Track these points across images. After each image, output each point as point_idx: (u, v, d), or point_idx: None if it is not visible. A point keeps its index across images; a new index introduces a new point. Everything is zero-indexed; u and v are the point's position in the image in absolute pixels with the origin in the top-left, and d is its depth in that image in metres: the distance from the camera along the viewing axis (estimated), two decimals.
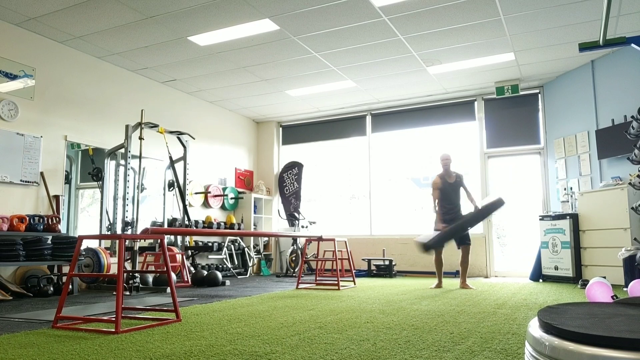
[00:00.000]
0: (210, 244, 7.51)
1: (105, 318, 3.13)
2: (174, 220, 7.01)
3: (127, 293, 5.00)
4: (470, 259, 7.51)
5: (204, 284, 5.96)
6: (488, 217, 5.63)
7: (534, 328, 1.43)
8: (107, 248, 5.66)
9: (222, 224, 7.98)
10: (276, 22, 5.33)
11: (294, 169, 9.36)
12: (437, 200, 5.74)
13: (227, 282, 6.28)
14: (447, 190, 5.77)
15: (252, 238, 8.55)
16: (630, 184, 5.21)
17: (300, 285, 5.84)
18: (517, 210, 7.80)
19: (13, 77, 5.34)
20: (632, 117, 4.65)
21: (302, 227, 8.74)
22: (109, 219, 5.89)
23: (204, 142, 8.13)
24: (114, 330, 2.77)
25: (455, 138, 8.18)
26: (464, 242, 5.71)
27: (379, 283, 6.42)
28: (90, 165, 6.11)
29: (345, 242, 6.54)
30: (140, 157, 5.57)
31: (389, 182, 8.64)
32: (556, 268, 6.28)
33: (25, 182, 5.36)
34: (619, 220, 5.56)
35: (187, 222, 6.33)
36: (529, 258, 6.96)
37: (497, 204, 5.35)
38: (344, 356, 2.16)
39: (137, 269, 5.40)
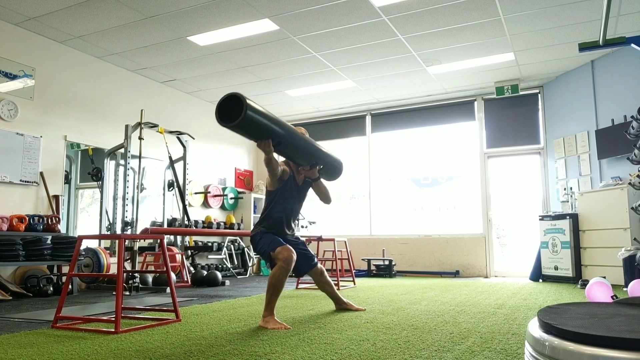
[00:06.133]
0: (210, 244, 7.50)
1: (105, 318, 3.13)
2: (174, 220, 7.01)
3: (127, 293, 4.99)
4: (470, 259, 7.62)
5: (203, 284, 5.95)
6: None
7: (534, 328, 1.43)
8: (106, 248, 5.66)
9: (222, 224, 7.97)
10: (276, 22, 5.32)
11: None
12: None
13: (227, 282, 6.27)
14: (292, 190, 3.57)
15: None
16: (630, 184, 5.21)
17: (300, 286, 5.84)
18: (517, 210, 7.81)
19: (13, 77, 5.34)
20: (632, 117, 4.65)
21: (302, 227, 8.73)
22: (108, 219, 5.88)
23: (204, 142, 8.12)
24: (113, 330, 2.76)
25: (455, 138, 8.18)
26: (309, 267, 3.57)
27: (378, 283, 6.41)
28: (90, 165, 6.10)
29: (345, 242, 6.53)
30: (140, 157, 5.57)
31: (389, 182, 8.63)
32: (556, 268, 6.28)
33: (25, 182, 5.36)
34: (619, 220, 5.56)
35: (186, 222, 6.32)
36: (529, 258, 6.96)
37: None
38: (344, 356, 2.16)
39: (136, 269, 5.39)
